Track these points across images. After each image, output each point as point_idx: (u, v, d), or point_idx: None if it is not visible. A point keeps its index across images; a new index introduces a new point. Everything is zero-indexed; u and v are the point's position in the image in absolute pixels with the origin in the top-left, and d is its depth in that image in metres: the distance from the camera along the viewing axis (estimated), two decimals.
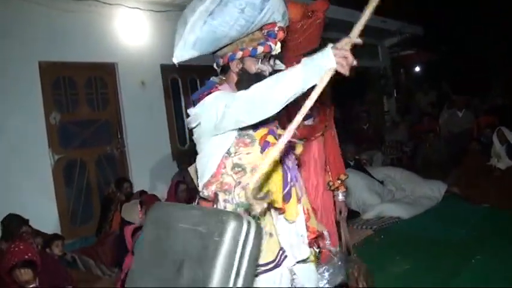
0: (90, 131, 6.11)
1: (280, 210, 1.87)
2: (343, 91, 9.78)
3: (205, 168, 1.93)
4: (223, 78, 2.04)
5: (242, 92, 1.83)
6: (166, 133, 6.86)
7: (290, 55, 2.67)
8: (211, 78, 2.07)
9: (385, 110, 11.85)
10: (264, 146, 1.87)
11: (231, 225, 1.46)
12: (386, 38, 11.23)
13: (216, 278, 1.42)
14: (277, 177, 1.86)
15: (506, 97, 10.92)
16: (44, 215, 4.91)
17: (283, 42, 2.30)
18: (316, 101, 1.69)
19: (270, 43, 1.93)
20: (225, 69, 2.02)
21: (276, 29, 1.95)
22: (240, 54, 1.95)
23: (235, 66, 1.99)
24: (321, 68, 1.64)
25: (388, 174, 7.06)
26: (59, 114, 5.70)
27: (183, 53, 1.98)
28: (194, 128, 1.95)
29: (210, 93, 1.90)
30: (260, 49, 1.93)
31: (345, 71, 1.60)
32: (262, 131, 1.91)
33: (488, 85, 11.90)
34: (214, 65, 2.08)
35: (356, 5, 9.03)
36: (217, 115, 1.82)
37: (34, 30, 5.40)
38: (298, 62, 2.49)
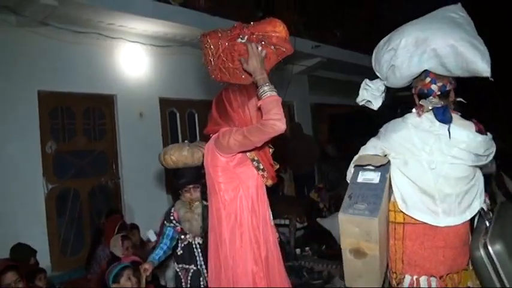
0: (85, 162, 6.09)
1: None
2: (340, 129, 9.90)
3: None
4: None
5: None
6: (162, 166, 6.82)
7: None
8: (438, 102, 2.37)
9: None
10: None
11: None
12: None
13: None
14: None
15: (506, 141, 10.93)
16: (34, 244, 4.83)
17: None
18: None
19: None
20: (446, 94, 2.41)
21: None
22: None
23: (453, 95, 2.45)
24: None
25: None
26: (55, 143, 5.70)
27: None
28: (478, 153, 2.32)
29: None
30: None
31: None
32: None
33: (488, 128, 11.97)
34: (436, 87, 2.38)
35: (355, 47, 9.26)
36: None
37: (35, 60, 5.46)
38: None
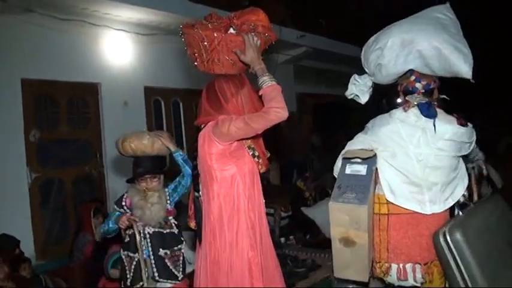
0: (70, 150, 6.05)
1: None
2: (325, 119, 9.93)
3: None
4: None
5: None
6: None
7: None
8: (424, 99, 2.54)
9: None
10: None
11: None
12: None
13: None
14: None
15: (489, 130, 11.03)
16: (18, 233, 4.81)
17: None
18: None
19: None
20: (430, 92, 2.56)
21: None
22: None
23: (437, 93, 2.60)
24: None
25: None
26: (39, 132, 5.64)
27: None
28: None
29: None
30: None
31: None
32: None
33: (471, 116, 12.06)
34: (420, 85, 2.56)
35: (341, 37, 9.28)
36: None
37: (19, 47, 5.39)
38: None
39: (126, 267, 3.18)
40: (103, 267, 4.23)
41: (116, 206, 3.30)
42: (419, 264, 2.48)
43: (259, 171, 2.57)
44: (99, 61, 6.24)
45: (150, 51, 6.80)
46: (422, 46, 2.42)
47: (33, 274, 4.38)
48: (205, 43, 2.36)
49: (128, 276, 3.15)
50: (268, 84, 2.32)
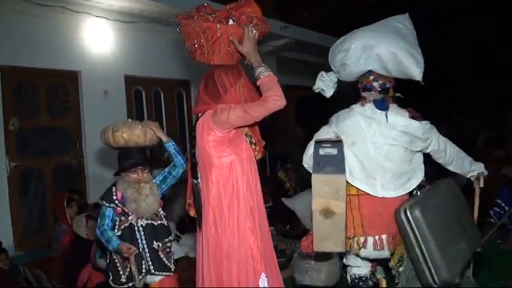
0: (49, 140, 5.98)
1: None
2: (307, 111, 9.96)
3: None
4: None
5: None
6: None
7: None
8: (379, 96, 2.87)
9: None
10: None
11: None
12: None
13: None
14: None
15: (469, 123, 11.19)
16: None
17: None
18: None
19: None
20: (386, 91, 2.90)
21: None
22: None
23: (393, 91, 2.93)
24: None
25: None
26: (18, 120, 5.55)
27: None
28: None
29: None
30: None
31: None
32: None
33: (449, 112, 12.20)
34: (377, 84, 2.88)
35: (323, 29, 9.28)
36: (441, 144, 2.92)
37: None
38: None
39: (118, 264, 3.10)
40: (82, 258, 4.20)
41: (105, 202, 3.13)
42: (390, 236, 2.80)
43: (255, 158, 2.69)
44: (80, 48, 6.15)
45: (131, 39, 6.73)
46: (380, 50, 2.75)
47: (11, 265, 4.32)
48: (207, 34, 2.44)
49: (121, 272, 3.09)
50: (265, 74, 2.46)
